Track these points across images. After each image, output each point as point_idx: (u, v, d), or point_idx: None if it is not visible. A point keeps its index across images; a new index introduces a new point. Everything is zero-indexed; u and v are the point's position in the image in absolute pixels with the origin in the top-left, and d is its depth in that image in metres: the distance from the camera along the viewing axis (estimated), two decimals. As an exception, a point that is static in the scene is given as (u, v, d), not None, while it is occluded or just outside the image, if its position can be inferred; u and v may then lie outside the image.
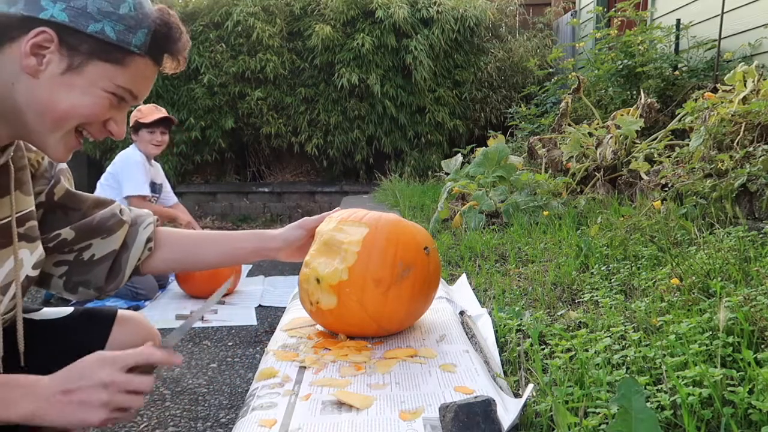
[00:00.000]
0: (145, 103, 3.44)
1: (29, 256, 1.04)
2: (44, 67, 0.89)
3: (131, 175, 3.52)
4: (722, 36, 3.68)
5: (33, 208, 1.05)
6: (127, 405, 0.90)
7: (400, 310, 1.19)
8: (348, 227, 1.20)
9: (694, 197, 2.11)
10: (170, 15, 0.98)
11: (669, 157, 2.58)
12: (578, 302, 1.48)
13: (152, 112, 3.56)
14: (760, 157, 2.03)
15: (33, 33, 0.87)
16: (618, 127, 3.03)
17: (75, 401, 0.87)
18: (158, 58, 0.98)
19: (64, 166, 1.15)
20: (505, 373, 1.09)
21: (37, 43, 0.88)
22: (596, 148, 3.15)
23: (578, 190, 3.14)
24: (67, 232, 1.12)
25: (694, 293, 1.29)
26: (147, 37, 0.94)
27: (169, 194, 3.90)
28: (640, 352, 1.00)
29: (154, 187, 3.69)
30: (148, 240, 1.19)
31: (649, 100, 3.27)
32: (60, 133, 0.93)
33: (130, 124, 3.54)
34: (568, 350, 1.07)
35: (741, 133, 2.28)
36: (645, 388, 0.87)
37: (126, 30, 0.91)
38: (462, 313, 1.38)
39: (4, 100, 0.90)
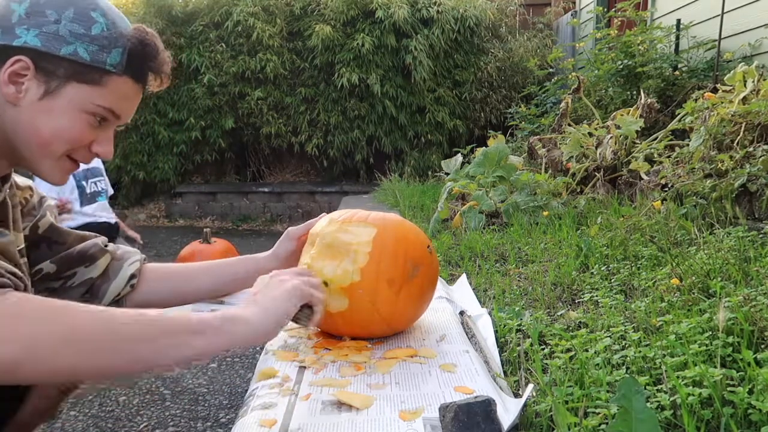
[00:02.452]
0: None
1: None
2: (23, 94, 0.90)
3: None
4: (722, 36, 3.68)
5: (23, 245, 1.05)
6: (312, 299, 0.98)
7: (410, 309, 1.19)
8: (354, 228, 1.18)
9: (694, 197, 2.11)
10: (146, 33, 0.98)
11: (669, 157, 2.57)
12: (578, 302, 1.48)
13: None
14: (760, 157, 2.03)
15: (10, 62, 0.88)
16: (618, 127, 3.03)
17: (278, 292, 0.96)
18: (138, 76, 0.98)
19: (51, 202, 1.15)
20: (505, 373, 1.09)
21: (15, 71, 0.89)
22: (596, 148, 3.15)
23: (578, 190, 3.14)
24: (48, 266, 1.11)
25: (694, 293, 1.29)
26: (122, 56, 0.94)
27: None
28: (640, 352, 1.00)
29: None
30: (132, 276, 1.18)
31: (649, 100, 3.27)
32: (50, 159, 0.94)
33: None
34: (568, 350, 1.07)
35: (741, 133, 2.28)
36: (645, 388, 0.87)
37: (99, 50, 0.92)
38: (462, 313, 1.38)
39: None
